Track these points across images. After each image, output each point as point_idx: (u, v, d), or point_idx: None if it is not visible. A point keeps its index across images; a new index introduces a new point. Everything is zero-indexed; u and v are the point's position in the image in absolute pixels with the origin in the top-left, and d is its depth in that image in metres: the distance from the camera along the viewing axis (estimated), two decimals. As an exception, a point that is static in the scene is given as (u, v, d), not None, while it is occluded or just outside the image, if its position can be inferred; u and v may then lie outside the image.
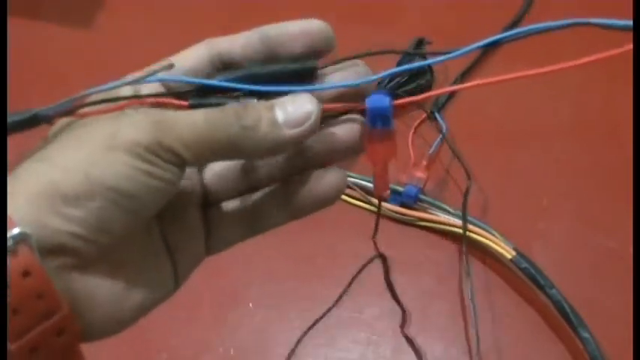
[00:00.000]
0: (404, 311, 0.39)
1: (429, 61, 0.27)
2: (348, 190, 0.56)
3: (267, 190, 0.29)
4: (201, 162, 0.25)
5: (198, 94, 0.26)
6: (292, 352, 0.49)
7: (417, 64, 0.27)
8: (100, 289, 0.24)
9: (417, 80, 0.60)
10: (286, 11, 0.69)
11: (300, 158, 0.28)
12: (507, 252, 0.50)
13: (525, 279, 0.50)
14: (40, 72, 0.66)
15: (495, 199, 0.56)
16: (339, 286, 0.52)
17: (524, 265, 0.50)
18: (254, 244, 0.56)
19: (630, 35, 0.22)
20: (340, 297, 0.44)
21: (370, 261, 0.37)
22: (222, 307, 0.51)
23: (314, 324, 0.50)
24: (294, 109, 0.25)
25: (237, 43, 0.27)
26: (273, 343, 0.50)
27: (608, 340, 0.46)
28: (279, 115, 0.25)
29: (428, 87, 0.61)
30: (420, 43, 0.61)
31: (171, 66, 0.26)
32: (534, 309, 0.50)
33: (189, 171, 0.28)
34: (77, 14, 0.70)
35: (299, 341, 0.49)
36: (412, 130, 0.59)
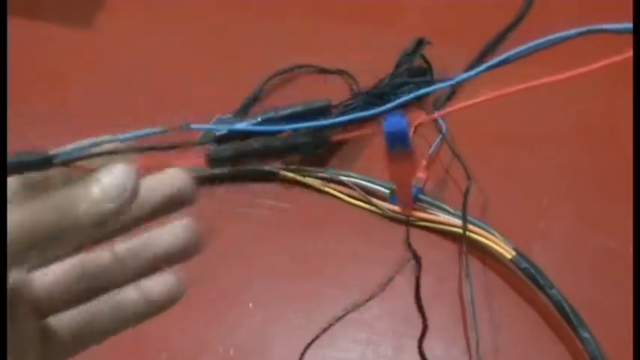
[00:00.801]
0: (425, 325, 0.39)
1: (436, 86, 0.27)
2: (348, 190, 0.56)
3: (100, 300, 0.28)
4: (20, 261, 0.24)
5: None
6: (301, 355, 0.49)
7: (426, 89, 0.27)
8: None
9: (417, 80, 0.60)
10: (286, 11, 0.69)
11: (130, 265, 0.28)
12: (507, 252, 0.50)
13: (525, 279, 0.50)
14: (40, 72, 0.66)
15: (495, 199, 0.56)
16: (338, 285, 0.52)
17: (524, 265, 0.50)
18: (254, 244, 0.56)
19: (630, 39, 0.22)
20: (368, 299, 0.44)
21: (406, 263, 0.37)
22: (222, 307, 0.51)
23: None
24: (109, 181, 0.24)
25: None
26: (273, 343, 0.50)
27: (608, 340, 0.46)
28: (95, 190, 0.24)
29: (428, 86, 0.61)
30: (420, 43, 0.61)
31: (187, 126, 0.26)
32: (534, 309, 0.50)
33: (18, 279, 0.27)
34: (77, 14, 0.70)
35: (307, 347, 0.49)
36: (412, 130, 0.59)
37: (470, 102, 0.26)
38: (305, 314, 0.51)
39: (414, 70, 0.60)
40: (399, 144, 0.26)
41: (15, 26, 0.60)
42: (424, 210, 0.54)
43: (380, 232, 0.54)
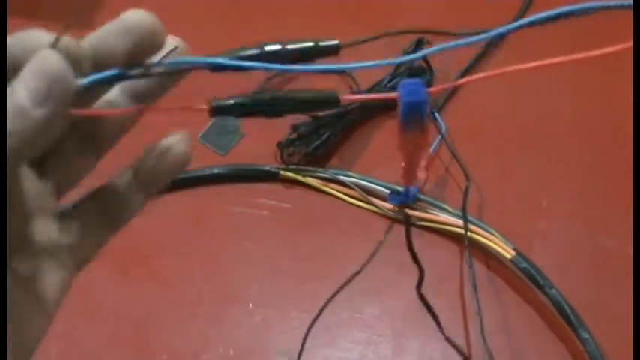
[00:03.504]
0: (422, 271, 0.38)
1: (427, 50, 0.25)
2: (348, 190, 0.56)
3: (117, 175, 0.26)
4: None
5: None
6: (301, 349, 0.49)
7: (415, 55, 0.26)
8: None
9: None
10: (287, 10, 0.69)
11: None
12: (507, 252, 0.50)
13: (525, 279, 0.50)
14: (40, 72, 0.66)
15: (495, 199, 0.56)
16: (338, 285, 0.52)
17: (524, 264, 0.50)
18: (254, 243, 0.56)
19: (630, 32, 0.22)
20: (368, 260, 0.43)
21: (394, 221, 0.36)
22: (222, 307, 0.52)
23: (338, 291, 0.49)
24: (35, 78, 0.21)
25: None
26: (273, 343, 0.50)
27: (608, 340, 0.46)
28: (22, 94, 0.21)
29: (427, 86, 0.61)
30: (420, 43, 0.61)
31: (175, 49, 0.25)
32: (534, 309, 0.50)
33: (31, 182, 0.25)
34: (77, 14, 0.70)
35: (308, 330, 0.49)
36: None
37: (483, 74, 0.24)
38: (305, 314, 0.50)
39: (414, 70, 0.60)
40: (415, 115, 0.23)
41: (15, 26, 0.60)
42: (424, 210, 0.54)
43: (380, 232, 0.54)
